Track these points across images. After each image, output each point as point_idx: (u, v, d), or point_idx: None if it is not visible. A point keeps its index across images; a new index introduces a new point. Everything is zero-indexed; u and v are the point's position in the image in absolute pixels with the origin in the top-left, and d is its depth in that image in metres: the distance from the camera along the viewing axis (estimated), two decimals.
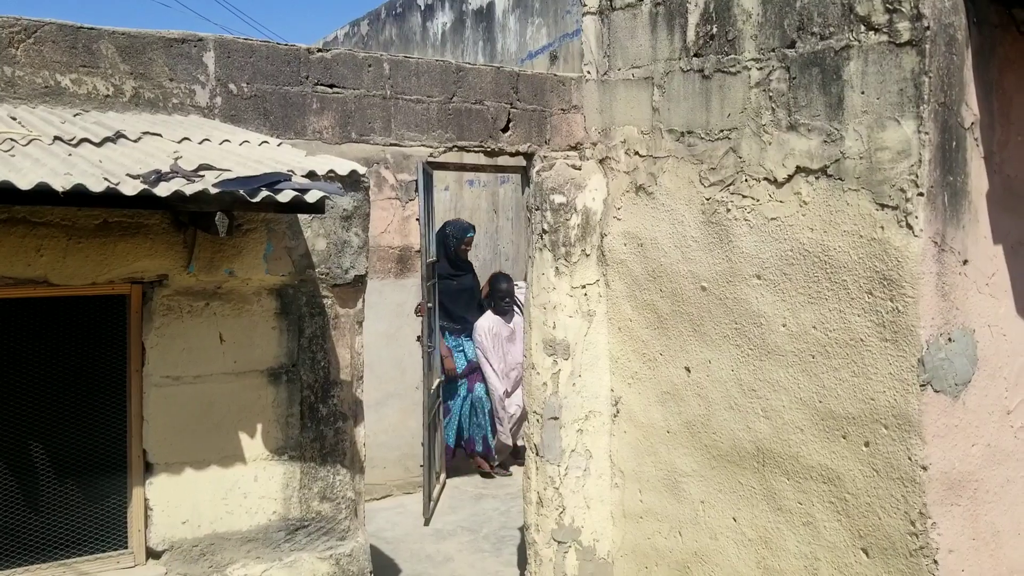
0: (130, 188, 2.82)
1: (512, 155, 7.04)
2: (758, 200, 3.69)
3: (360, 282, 3.77)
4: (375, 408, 6.27)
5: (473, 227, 7.52)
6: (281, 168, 3.22)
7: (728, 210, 3.82)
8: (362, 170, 3.70)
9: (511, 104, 6.91)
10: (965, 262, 3.23)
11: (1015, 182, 3.37)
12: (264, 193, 2.99)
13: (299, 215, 3.59)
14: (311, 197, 3.09)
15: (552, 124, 7.28)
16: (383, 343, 6.25)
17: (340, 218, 3.72)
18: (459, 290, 7.14)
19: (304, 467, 3.62)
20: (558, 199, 4.36)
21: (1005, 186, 3.34)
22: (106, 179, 2.83)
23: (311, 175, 3.31)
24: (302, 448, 3.62)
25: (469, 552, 5.34)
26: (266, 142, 3.92)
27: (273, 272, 3.56)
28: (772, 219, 3.64)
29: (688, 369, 4.05)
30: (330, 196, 3.29)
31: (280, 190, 3.05)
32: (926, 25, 3.10)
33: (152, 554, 3.35)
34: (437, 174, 8.70)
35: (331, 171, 3.56)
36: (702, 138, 3.94)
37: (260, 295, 3.55)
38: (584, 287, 4.45)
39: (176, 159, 3.26)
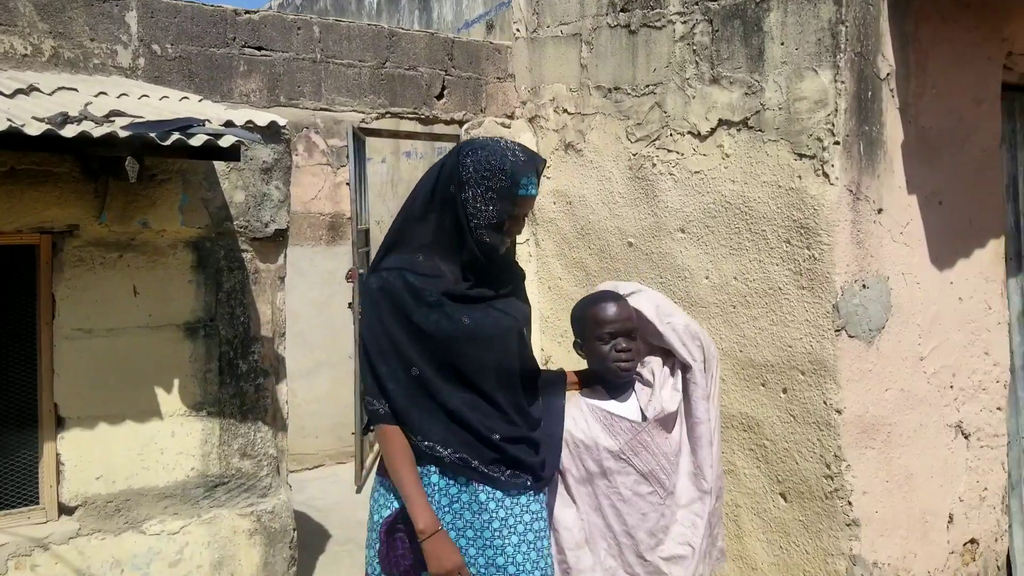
0: (34, 129, 2.73)
1: (447, 123, 6.99)
2: (682, 154, 3.71)
3: (281, 236, 3.70)
4: (306, 377, 6.20)
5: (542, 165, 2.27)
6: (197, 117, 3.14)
7: (654, 165, 3.83)
8: (282, 122, 3.62)
9: (446, 71, 6.85)
10: (880, 211, 3.29)
11: (930, 133, 3.43)
12: (175, 136, 2.92)
13: (216, 165, 3.52)
14: (225, 142, 3.03)
15: (488, 92, 7.24)
16: (314, 311, 6.17)
17: (259, 170, 3.65)
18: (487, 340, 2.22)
19: (224, 423, 3.54)
20: None
21: (920, 137, 3.40)
22: (9, 120, 2.73)
23: (228, 125, 3.24)
24: (221, 404, 3.54)
25: None
26: (187, 98, 3.82)
27: (189, 224, 3.47)
28: (696, 172, 3.66)
29: None
30: (246, 143, 3.22)
31: (193, 134, 2.98)
32: None
33: (65, 510, 3.26)
34: (374, 145, 8.60)
35: (249, 121, 3.48)
36: (629, 94, 3.95)
37: (176, 247, 3.46)
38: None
39: (86, 106, 3.16)
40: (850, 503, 3.15)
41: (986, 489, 3.62)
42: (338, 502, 5.61)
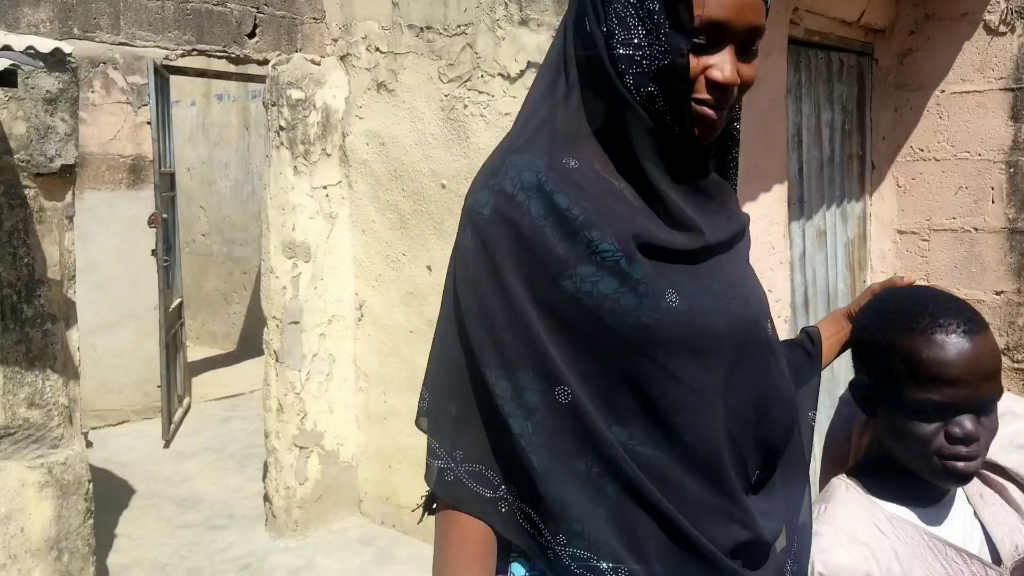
0: None
1: (260, 63, 6.72)
2: (493, 96, 3.74)
3: (68, 172, 3.46)
4: (108, 330, 5.88)
5: None
6: None
7: (465, 106, 3.84)
8: (68, 48, 3.37)
9: (258, 8, 6.57)
10: None
11: None
12: None
13: None
14: None
15: (303, 33, 7.01)
16: (116, 259, 5.82)
17: (43, 100, 3.38)
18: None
19: (8, 371, 3.31)
20: (296, 94, 4.20)
21: None
22: None
23: (5, 49, 2.99)
24: (5, 351, 3.30)
25: (212, 470, 5.16)
26: None
27: None
28: (506, 115, 3.70)
29: (430, 268, 4.08)
30: (22, 66, 2.98)
31: None
32: None
33: None
34: (182, 87, 8.16)
35: (30, 47, 3.22)
36: (440, 33, 3.93)
37: None
38: (326, 188, 4.34)
39: None
40: None
41: None
42: (144, 457, 5.39)
